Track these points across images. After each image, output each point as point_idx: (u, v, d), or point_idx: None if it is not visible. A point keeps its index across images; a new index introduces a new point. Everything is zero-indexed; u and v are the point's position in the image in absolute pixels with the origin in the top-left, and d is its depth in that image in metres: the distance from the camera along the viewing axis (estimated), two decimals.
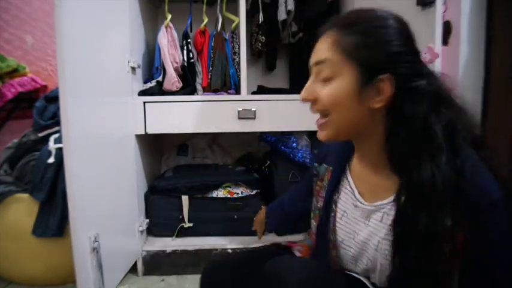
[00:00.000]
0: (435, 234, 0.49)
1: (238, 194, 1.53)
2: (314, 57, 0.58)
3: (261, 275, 0.62)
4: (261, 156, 1.84)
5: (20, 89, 1.56)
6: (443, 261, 0.50)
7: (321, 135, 0.60)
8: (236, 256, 0.89)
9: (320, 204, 0.71)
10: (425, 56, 0.60)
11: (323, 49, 0.56)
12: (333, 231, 0.67)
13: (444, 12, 0.97)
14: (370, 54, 0.54)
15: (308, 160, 1.53)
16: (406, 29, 0.58)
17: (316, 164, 0.76)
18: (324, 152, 0.75)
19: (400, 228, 0.54)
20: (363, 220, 0.62)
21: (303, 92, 0.59)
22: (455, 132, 0.52)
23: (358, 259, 0.63)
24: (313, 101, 0.58)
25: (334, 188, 0.68)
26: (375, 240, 0.60)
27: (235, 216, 1.52)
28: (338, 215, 0.66)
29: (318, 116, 0.61)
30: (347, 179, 0.67)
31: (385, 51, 0.54)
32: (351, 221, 0.64)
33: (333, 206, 0.67)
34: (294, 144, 1.57)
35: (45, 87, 1.72)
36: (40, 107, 1.46)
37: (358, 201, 0.63)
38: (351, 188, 0.65)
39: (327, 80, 0.56)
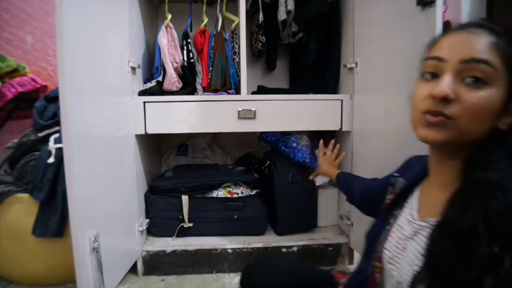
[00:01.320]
0: (474, 237, 0.45)
1: (238, 194, 1.53)
2: (464, 53, 0.49)
3: None
4: (261, 156, 1.84)
5: (20, 89, 1.57)
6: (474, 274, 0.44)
7: (433, 135, 0.51)
8: (285, 265, 0.93)
9: (383, 209, 0.71)
10: None
11: (477, 47, 0.48)
12: (381, 243, 0.65)
13: (444, 12, 0.97)
14: None
15: (308, 160, 1.53)
16: None
17: (396, 174, 0.74)
18: (407, 166, 0.74)
19: (438, 231, 0.50)
20: (412, 237, 0.59)
21: (446, 87, 0.49)
22: None
23: (400, 282, 0.59)
24: (449, 101, 0.49)
25: (398, 202, 0.67)
26: (413, 257, 0.56)
27: (235, 216, 1.52)
28: (394, 229, 0.64)
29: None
30: (414, 195, 0.65)
31: None
32: (401, 238, 0.62)
33: (391, 220, 0.66)
34: (294, 144, 1.57)
35: (45, 87, 1.73)
36: (40, 107, 1.46)
37: (412, 216, 0.61)
38: (412, 204, 0.64)
39: (477, 84, 0.48)
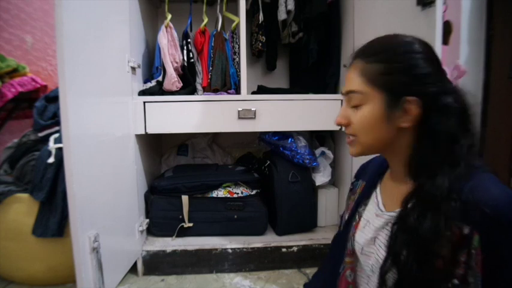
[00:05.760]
0: (432, 242, 0.51)
1: (238, 194, 1.53)
2: (345, 87, 0.64)
3: None
4: (261, 156, 1.84)
5: (20, 89, 1.57)
6: (435, 273, 0.51)
7: (351, 151, 0.66)
8: None
9: (346, 216, 0.76)
10: (452, 73, 0.62)
11: (352, 79, 0.62)
12: (351, 238, 0.71)
13: (444, 12, 0.97)
14: (394, 80, 0.59)
15: (307, 161, 1.53)
16: (431, 51, 0.62)
17: (354, 179, 0.82)
18: (362, 169, 0.82)
19: (398, 230, 0.57)
20: (383, 227, 0.65)
21: (339, 117, 0.65)
22: (472, 150, 0.57)
23: (375, 270, 0.64)
24: (347, 125, 0.64)
25: (361, 200, 0.73)
26: (384, 245, 0.62)
27: (235, 216, 1.52)
28: (361, 224, 0.70)
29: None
30: (376, 191, 0.72)
31: (409, 75, 0.58)
32: (371, 230, 0.67)
33: (356, 217, 0.73)
34: (294, 145, 1.56)
35: (45, 87, 1.73)
36: (40, 107, 1.46)
37: (380, 209, 0.68)
38: (376, 199, 0.70)
39: (357, 107, 0.62)
